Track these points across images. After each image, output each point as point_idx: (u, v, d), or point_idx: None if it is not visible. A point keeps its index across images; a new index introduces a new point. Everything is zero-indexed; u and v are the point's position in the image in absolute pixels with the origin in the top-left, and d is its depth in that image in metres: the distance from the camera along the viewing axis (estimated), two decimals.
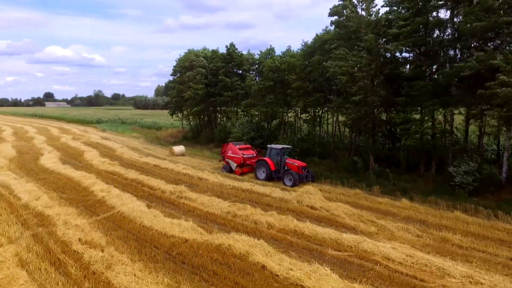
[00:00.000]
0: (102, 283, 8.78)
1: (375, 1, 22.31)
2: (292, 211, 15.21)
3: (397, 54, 22.58)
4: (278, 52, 34.93)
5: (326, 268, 9.49)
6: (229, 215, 14.44)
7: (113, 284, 8.68)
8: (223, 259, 10.23)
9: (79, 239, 11.33)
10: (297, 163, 21.05)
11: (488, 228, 13.49)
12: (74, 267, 9.57)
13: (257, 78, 34.60)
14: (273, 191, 18.38)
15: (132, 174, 21.65)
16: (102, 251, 10.54)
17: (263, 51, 34.93)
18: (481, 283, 9.05)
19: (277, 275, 9.25)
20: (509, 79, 13.69)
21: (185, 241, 11.46)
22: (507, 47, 15.06)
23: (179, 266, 9.85)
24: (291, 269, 9.43)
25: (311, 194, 16.74)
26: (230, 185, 19.65)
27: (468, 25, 15.79)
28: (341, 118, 28.46)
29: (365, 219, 14.12)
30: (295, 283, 8.84)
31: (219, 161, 25.91)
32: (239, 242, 11.12)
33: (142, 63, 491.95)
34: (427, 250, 11.31)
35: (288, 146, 23.09)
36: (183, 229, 12.44)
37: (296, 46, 29.82)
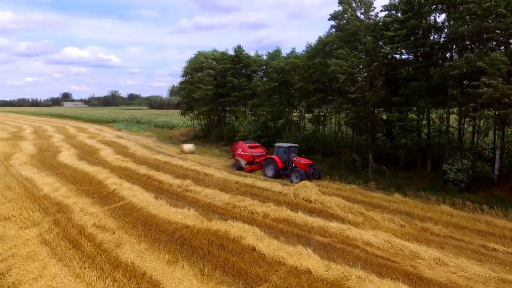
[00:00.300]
0: (112, 258, 10.17)
1: (373, 5, 23.32)
2: (288, 203, 16.38)
3: (396, 55, 23.56)
4: (287, 52, 35.98)
5: (309, 249, 10.68)
6: (229, 206, 15.73)
7: (121, 259, 10.06)
8: (219, 242, 11.51)
9: (93, 224, 12.78)
10: (303, 160, 22.02)
11: (470, 220, 14.41)
12: (88, 246, 11.01)
13: (264, 78, 35.82)
14: (273, 186, 19.58)
15: (143, 170, 23.16)
16: (113, 233, 11.96)
17: (271, 52, 36.26)
18: (447, 264, 10.08)
19: (264, 255, 10.48)
20: (491, 80, 14.54)
21: (186, 226, 12.80)
22: (497, 51, 15.84)
23: (179, 246, 11.19)
24: (277, 250, 10.66)
25: (307, 188, 17.88)
26: (233, 180, 20.95)
27: (459, 28, 16.66)
28: (343, 118, 29.39)
29: (355, 211, 15.20)
30: (279, 261, 10.06)
31: (229, 158, 27.11)
32: (235, 228, 12.39)
33: (157, 63, 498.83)
34: (406, 237, 12.36)
35: (295, 145, 24.07)
36: (185, 216, 13.79)
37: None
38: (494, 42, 16.21)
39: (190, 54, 38.24)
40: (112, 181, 19.45)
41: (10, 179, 19.78)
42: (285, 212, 14.51)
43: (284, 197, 17.42)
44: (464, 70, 16.39)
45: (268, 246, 11.03)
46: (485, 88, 14.72)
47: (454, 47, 20.35)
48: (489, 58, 14.59)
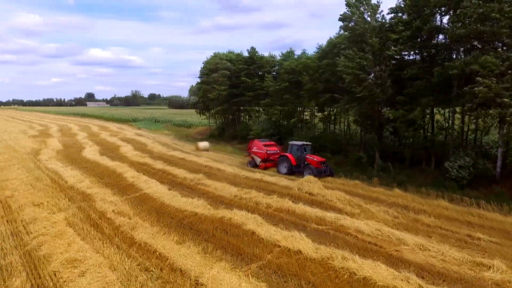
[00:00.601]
0: (127, 238, 11.57)
1: (380, 8, 24.12)
2: (291, 195, 17.48)
3: (403, 55, 24.26)
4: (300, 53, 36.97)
5: (302, 234, 11.79)
6: (236, 197, 16.96)
7: (135, 239, 11.44)
8: (222, 227, 12.76)
9: (112, 210, 14.25)
10: (316, 158, 22.87)
11: (463, 214, 15.16)
12: (107, 228, 12.46)
13: (277, 79, 36.93)
14: (280, 180, 20.70)
15: (159, 165, 24.69)
16: (130, 219, 13.39)
17: (284, 52, 37.35)
18: (428, 250, 11.00)
19: (262, 238, 11.65)
20: (484, 80, 15.23)
21: (195, 214, 14.10)
22: (490, 53, 16.44)
23: (187, 230, 12.50)
24: (274, 235, 11.80)
25: (311, 183, 18.91)
26: (243, 176, 22.18)
27: (457, 31, 17.37)
28: (352, 115, 30.21)
29: (353, 204, 16.17)
30: (274, 243, 11.22)
31: (245, 156, 28.20)
32: (238, 216, 13.60)
33: (178, 63, 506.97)
34: (397, 227, 13.29)
35: (308, 143, 24.95)
36: (195, 206, 15.09)
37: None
38: (490, 45, 16.78)
39: (209, 54, 39.78)
40: (130, 175, 21.00)
41: (39, 172, 21.64)
42: (286, 203, 15.63)
43: (289, 190, 18.52)
44: (460, 71, 17.05)
45: (267, 231, 12.19)
46: (480, 88, 15.41)
47: (460, 48, 20.98)
48: (482, 60, 15.27)
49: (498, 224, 13.87)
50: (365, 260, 9.98)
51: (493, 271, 9.55)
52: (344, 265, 9.66)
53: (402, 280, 8.87)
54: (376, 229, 12.66)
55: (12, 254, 10.37)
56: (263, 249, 10.95)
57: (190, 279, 8.86)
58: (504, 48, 15.86)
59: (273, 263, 10.04)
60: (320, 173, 21.90)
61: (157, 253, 10.44)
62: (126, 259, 10.00)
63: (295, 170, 23.34)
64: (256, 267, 9.81)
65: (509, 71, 15.36)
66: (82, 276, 8.66)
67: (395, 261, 10.29)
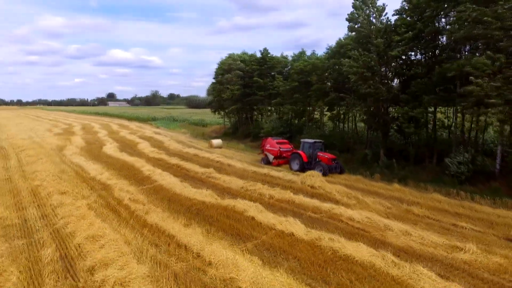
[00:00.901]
0: (141, 220, 13.10)
1: (385, 10, 25.02)
2: (293, 188, 18.68)
3: (408, 55, 25.11)
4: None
5: (297, 220, 13.02)
6: (242, 189, 18.29)
7: (148, 221, 12.94)
8: (226, 213, 14.13)
9: (129, 198, 15.82)
10: (327, 155, 23.77)
11: (454, 206, 16.03)
12: (124, 212, 14.04)
13: (288, 79, 38.15)
14: (286, 175, 21.92)
15: (174, 160, 26.31)
16: (144, 205, 14.92)
17: (296, 53, 38.53)
18: (411, 235, 12.04)
19: (260, 223, 12.96)
20: (477, 80, 16.07)
21: (202, 202, 15.53)
22: (484, 55, 17.21)
23: (194, 215, 13.94)
24: (271, 220, 13.08)
25: (314, 177, 20.06)
26: (251, 170, 23.50)
27: (453, 34, 18.23)
28: (359, 112, 31.13)
29: (351, 196, 17.23)
30: (270, 227, 12.52)
31: (259, 153, 29.27)
32: (241, 204, 14.92)
33: (196, 63, 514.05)
34: (387, 216, 14.34)
35: (320, 141, 25.80)
36: (203, 195, 16.52)
37: None
38: (485, 46, 17.57)
39: (226, 54, 41.34)
40: (146, 169, 22.64)
41: (64, 165, 23.59)
42: (288, 195, 16.86)
43: (292, 184, 19.74)
44: (458, 72, 17.89)
45: (265, 217, 13.47)
46: (473, 87, 16.26)
47: (461, 48, 21.72)
48: (474, 61, 16.11)
49: (485, 216, 14.71)
50: (350, 242, 11.16)
51: (464, 252, 10.56)
52: (329, 245, 10.87)
53: (378, 257, 10.01)
54: (366, 217, 13.74)
55: (43, 231, 12.03)
56: (259, 231, 12.26)
57: (192, 253, 10.26)
58: (494, 50, 16.55)
59: (267, 242, 11.35)
60: (330, 170, 22.73)
61: (166, 233, 11.89)
62: (139, 236, 11.50)
63: (307, 167, 24.07)
64: (252, 245, 11.12)
65: (500, 72, 16.12)
66: (101, 248, 10.17)
67: (377, 243, 11.41)
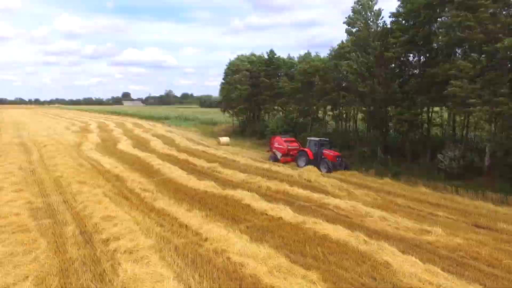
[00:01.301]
0: (149, 206, 14.89)
1: (382, 14, 26.33)
2: (290, 181, 20.23)
3: (406, 57, 26.35)
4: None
5: (287, 207, 14.58)
6: (243, 182, 19.93)
7: (155, 207, 14.71)
8: (225, 201, 15.80)
9: (139, 188, 17.66)
10: (332, 153, 24.97)
11: (437, 198, 17.36)
12: (135, 199, 15.86)
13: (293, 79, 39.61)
14: (285, 170, 23.48)
15: (183, 156, 28.14)
16: (152, 193, 16.71)
17: (302, 54, 39.96)
18: (387, 220, 13.47)
19: (254, 209, 14.58)
20: (456, 82, 17.39)
21: (205, 192, 17.24)
22: (468, 58, 18.46)
23: (196, 202, 15.65)
24: (264, 207, 14.68)
25: (311, 172, 21.62)
26: (254, 166, 25.14)
27: (440, 38, 19.52)
28: (360, 110, 32.42)
29: (343, 188, 18.70)
30: (262, 212, 14.14)
31: (266, 151, 30.55)
32: (239, 194, 16.57)
33: (210, 63, 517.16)
34: (371, 205, 15.72)
35: (325, 139, 27.14)
36: (206, 186, 18.21)
37: None
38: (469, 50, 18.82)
39: (239, 54, 43.01)
40: (157, 163, 24.49)
41: (81, 159, 25.65)
42: (284, 187, 18.44)
43: (290, 177, 21.30)
44: (444, 75, 19.19)
45: (260, 205, 15.06)
46: (453, 88, 17.56)
47: (451, 51, 22.91)
48: (457, 64, 17.41)
49: (462, 206, 16.02)
50: (329, 224, 12.69)
51: (431, 235, 11.96)
52: (312, 227, 12.41)
53: (352, 237, 11.51)
54: (351, 206, 15.19)
55: (65, 213, 13.89)
56: (253, 216, 13.89)
57: (192, 231, 11.94)
58: (479, 53, 17.78)
59: (258, 224, 12.95)
60: (334, 166, 24.01)
61: (171, 216, 13.61)
62: (147, 218, 13.25)
63: (313, 164, 25.31)
64: (244, 226, 12.73)
65: (483, 75, 17.35)
66: (115, 226, 11.91)
67: (356, 227, 12.88)
